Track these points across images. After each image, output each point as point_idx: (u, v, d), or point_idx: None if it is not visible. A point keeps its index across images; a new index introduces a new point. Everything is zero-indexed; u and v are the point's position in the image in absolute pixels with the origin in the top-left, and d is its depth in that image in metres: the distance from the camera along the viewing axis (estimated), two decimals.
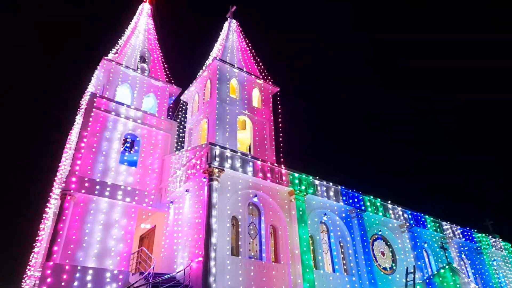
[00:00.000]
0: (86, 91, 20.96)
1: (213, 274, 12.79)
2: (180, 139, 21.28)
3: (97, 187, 16.21)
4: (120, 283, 13.82)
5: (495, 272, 23.93)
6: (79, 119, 19.33)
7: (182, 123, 22.53)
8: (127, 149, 19.49)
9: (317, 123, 69.28)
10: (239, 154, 16.17)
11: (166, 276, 13.15)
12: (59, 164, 20.38)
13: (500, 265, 25.20)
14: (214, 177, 14.75)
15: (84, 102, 19.23)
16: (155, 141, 19.49)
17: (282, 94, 24.05)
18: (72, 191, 15.40)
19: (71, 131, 21.01)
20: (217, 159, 15.17)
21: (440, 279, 15.45)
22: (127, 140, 19.51)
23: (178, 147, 20.41)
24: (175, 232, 16.34)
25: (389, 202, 20.73)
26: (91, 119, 17.62)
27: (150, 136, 19.46)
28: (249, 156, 16.69)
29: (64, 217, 14.77)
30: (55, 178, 19.91)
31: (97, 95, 18.54)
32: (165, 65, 23.77)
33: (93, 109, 17.87)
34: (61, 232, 14.42)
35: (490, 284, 22.40)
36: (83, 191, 15.74)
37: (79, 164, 16.23)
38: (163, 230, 17.50)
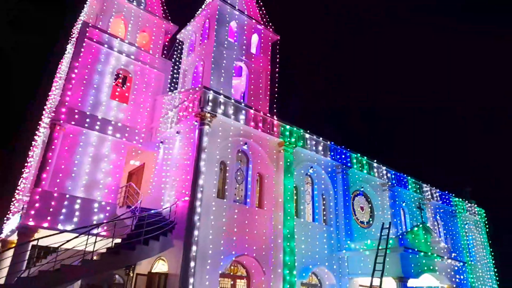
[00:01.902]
0: (78, 19, 20.02)
1: (198, 214, 13.26)
2: (174, 80, 20.87)
3: (87, 120, 16.13)
4: (107, 214, 14.27)
5: (465, 234, 25.35)
6: (70, 48, 18.67)
7: (177, 63, 21.96)
8: (119, 84, 19.14)
9: (315, 77, 68.33)
10: (232, 100, 16.03)
11: (152, 211, 13.60)
12: (49, 94, 20.03)
13: (471, 228, 26.64)
14: (205, 121, 14.73)
15: (75, 31, 18.45)
16: (148, 79, 19.11)
17: (283, 44, 23.36)
18: (61, 121, 15.31)
19: (61, 60, 20.38)
20: (210, 104, 15.04)
21: (413, 236, 16.32)
22: (119, 75, 19.09)
23: (172, 88, 20.10)
24: (164, 171, 16.63)
25: (375, 161, 21.19)
26: (82, 49, 17.02)
27: (143, 73, 19.03)
28: (242, 104, 16.57)
29: (53, 146, 14.81)
30: (45, 107, 19.67)
31: (90, 24, 17.73)
32: (162, 0, 22.59)
33: (85, 39, 17.19)
34: (50, 161, 14.55)
35: (459, 245, 23.82)
36: (72, 122, 15.65)
37: (69, 95, 15.95)
38: (152, 168, 17.79)
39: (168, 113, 17.39)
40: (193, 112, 15.21)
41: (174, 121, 16.73)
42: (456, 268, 17.83)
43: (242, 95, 21.03)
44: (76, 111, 15.94)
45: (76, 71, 16.47)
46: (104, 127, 16.51)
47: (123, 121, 17.39)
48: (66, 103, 15.70)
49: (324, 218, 18.30)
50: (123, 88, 19.44)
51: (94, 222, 13.70)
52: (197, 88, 16.03)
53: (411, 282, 16.13)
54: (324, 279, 16.76)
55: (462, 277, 18.72)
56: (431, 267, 16.31)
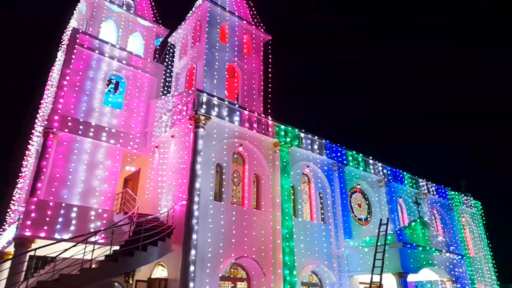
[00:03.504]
0: (68, 26, 19.88)
1: (196, 217, 13.20)
2: (167, 83, 20.79)
3: (81, 127, 16.00)
4: (104, 221, 14.17)
5: (463, 227, 25.52)
6: (61, 55, 18.53)
7: (169, 66, 21.86)
8: (111, 90, 19.03)
9: (307, 76, 68.44)
10: (226, 102, 15.99)
11: (150, 216, 13.52)
12: (41, 102, 19.86)
13: (468, 221, 26.82)
14: (200, 124, 14.67)
15: (66, 37, 18.32)
16: (140, 84, 19.01)
17: (274, 43, 23.37)
18: (54, 129, 15.17)
19: (52, 68, 20.21)
20: (204, 106, 14.99)
21: (411, 231, 16.39)
22: (112, 81, 18.98)
23: (165, 92, 20.01)
24: (160, 176, 16.55)
25: (371, 158, 21.26)
26: (73, 56, 16.88)
27: (135, 78, 18.93)
28: (236, 106, 16.54)
29: (47, 155, 14.67)
30: (37, 116, 19.50)
31: (80, 31, 17.60)
32: (153, 3, 22.50)
33: (76, 46, 17.05)
34: (44, 170, 14.40)
35: (457, 238, 23.96)
36: (66, 130, 15.52)
37: (62, 102, 15.82)
38: (147, 173, 17.69)
39: (162, 117, 17.31)
40: (187, 115, 15.15)
41: (169, 125, 16.66)
42: (454, 261, 17.94)
43: (236, 96, 21.00)
44: (69, 118, 15.81)
45: (67, 78, 16.34)
46: (98, 134, 16.39)
47: (117, 127, 17.28)
48: (59, 111, 15.57)
49: (322, 216, 18.32)
50: (116, 93, 19.35)
51: (91, 230, 13.60)
52: (190, 91, 15.97)
53: (410, 277, 16.22)
54: (324, 277, 16.77)
55: (461, 270, 18.89)
56: (430, 262, 16.39)
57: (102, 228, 13.40)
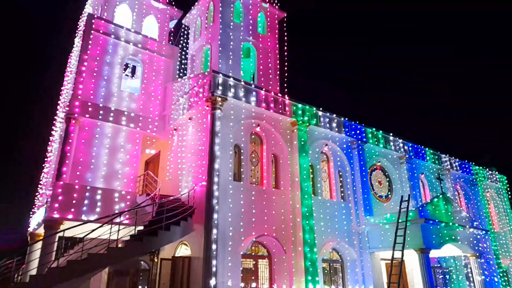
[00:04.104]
0: (83, 12, 20.00)
1: (216, 197, 13.40)
2: (183, 66, 20.79)
3: (101, 112, 16.31)
4: (128, 203, 14.59)
5: (487, 202, 24.96)
6: (78, 41, 18.73)
7: (184, 49, 21.80)
8: (128, 75, 19.21)
9: (324, 53, 66.98)
10: (242, 83, 15.88)
11: (171, 197, 13.81)
12: (62, 88, 20.28)
13: (493, 196, 26.19)
14: (217, 106, 14.68)
15: (82, 23, 18.45)
16: (156, 67, 19.09)
17: (290, 20, 22.83)
18: (76, 115, 15.54)
19: (70, 54, 20.50)
20: (220, 87, 14.94)
21: (433, 207, 16.14)
22: (128, 65, 19.12)
23: (181, 74, 20.03)
24: (179, 158, 16.79)
25: (391, 134, 20.86)
26: (90, 42, 17.06)
27: (151, 61, 19.00)
28: (253, 86, 16.40)
29: (70, 140, 15.11)
30: (59, 102, 19.97)
31: (95, 16, 17.69)
32: None
33: (92, 31, 17.20)
34: (68, 154, 14.87)
35: (481, 213, 23.50)
36: (87, 115, 15.87)
37: (81, 88, 16.11)
38: (167, 156, 17.99)
39: (179, 100, 17.41)
40: (204, 97, 15.16)
41: (186, 108, 16.75)
42: (478, 236, 17.65)
43: (252, 76, 20.82)
44: (89, 104, 16.12)
45: (85, 63, 16.57)
46: (118, 118, 16.69)
47: (136, 110, 17.52)
48: (79, 97, 15.88)
49: (342, 194, 18.25)
50: (133, 78, 19.54)
51: (116, 211, 14.04)
52: (206, 73, 15.92)
53: (433, 252, 16.10)
54: (345, 254, 16.86)
55: (485, 245, 18.58)
56: (453, 237, 16.19)
57: (126, 209, 13.81)
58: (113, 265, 11.16)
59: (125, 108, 17.23)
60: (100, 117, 16.21)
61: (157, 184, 15.61)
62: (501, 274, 22.23)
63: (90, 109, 16.04)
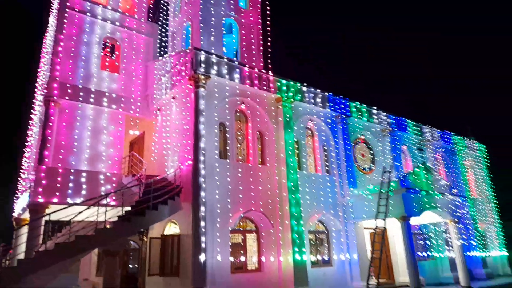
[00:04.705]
0: None
1: (203, 176, 13.51)
2: (163, 44, 20.32)
3: (81, 93, 15.97)
4: (114, 184, 14.58)
5: (466, 170, 25.86)
6: (52, 20, 18.03)
7: (164, 26, 21.23)
8: (108, 54, 18.70)
9: (305, 27, 66.26)
10: (225, 60, 15.70)
11: (158, 177, 13.85)
12: (38, 70, 19.66)
13: (472, 164, 27.11)
14: (200, 84, 14.53)
15: (56, 1, 17.71)
16: (136, 46, 18.63)
17: None
18: (55, 97, 15.18)
19: (45, 34, 19.77)
20: (203, 65, 14.75)
21: (414, 176, 16.67)
22: (107, 44, 18.59)
23: (162, 52, 19.62)
24: (164, 138, 16.71)
25: (374, 107, 21.12)
26: (65, 20, 16.47)
27: (131, 40, 18.52)
28: (236, 62, 16.24)
29: (50, 123, 14.83)
30: (36, 85, 19.40)
31: None
32: None
33: (67, 10, 16.56)
34: (49, 138, 14.63)
35: (460, 181, 24.39)
36: (66, 97, 15.52)
37: (59, 69, 15.68)
38: (152, 136, 17.87)
39: (162, 79, 17.15)
40: (186, 76, 14.97)
41: (169, 87, 16.53)
42: (457, 203, 18.39)
43: (235, 53, 20.54)
44: (68, 85, 15.74)
45: (61, 44, 16.06)
46: (99, 99, 16.38)
47: (117, 91, 17.20)
48: (57, 78, 15.47)
49: (327, 168, 18.60)
50: (113, 57, 19.04)
51: (102, 193, 14.02)
52: (187, 50, 15.65)
53: (414, 220, 16.75)
54: (330, 225, 17.39)
55: (463, 211, 19.42)
56: (433, 204, 16.84)
57: (112, 191, 13.80)
58: (102, 246, 11.25)
59: (106, 89, 16.89)
60: (80, 98, 15.88)
61: (142, 165, 15.58)
62: (478, 238, 23.39)
63: (69, 90, 15.67)
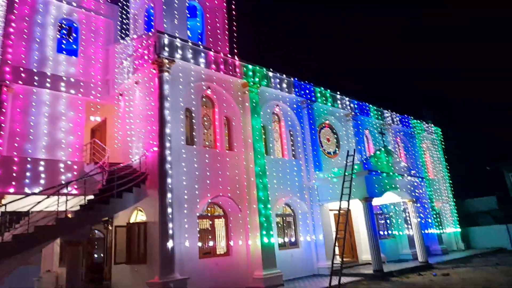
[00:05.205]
0: None
1: (169, 162, 13.31)
2: (124, 26, 19.52)
3: (36, 77, 15.09)
4: (75, 173, 14.03)
5: (424, 153, 27.25)
6: (2, 0, 16.74)
7: (125, 7, 20.35)
8: (64, 36, 17.71)
9: (273, 13, 66.03)
10: (190, 44, 15.36)
11: (122, 164, 13.49)
12: None
13: (429, 147, 28.60)
14: (164, 68, 14.16)
15: None
16: (95, 28, 17.78)
17: None
18: (7, 82, 14.25)
19: None
20: (167, 49, 14.35)
21: (376, 159, 17.37)
22: (63, 26, 17.58)
23: (123, 36, 18.86)
24: (127, 124, 16.24)
25: (338, 93, 21.60)
26: (16, 0, 15.36)
27: (89, 22, 17.63)
28: (201, 47, 15.95)
29: (3, 110, 13.95)
30: None
31: None
32: None
33: None
34: (3, 125, 13.78)
35: (418, 163, 25.68)
36: (20, 82, 14.61)
37: (11, 52, 14.70)
38: (114, 123, 17.30)
39: (123, 63, 16.54)
40: (150, 60, 14.53)
41: (131, 71, 16.00)
42: (415, 183, 19.41)
43: (200, 37, 20.13)
44: (21, 69, 14.81)
45: (13, 24, 15.02)
46: (56, 84, 15.56)
47: (76, 75, 16.42)
48: (9, 62, 14.52)
49: (293, 153, 18.92)
50: (70, 40, 18.06)
51: (63, 182, 13.47)
52: (150, 33, 15.14)
53: (375, 201, 17.53)
54: (297, 208, 17.82)
55: (421, 191, 20.51)
56: (393, 185, 17.67)
57: (73, 179, 13.29)
58: (63, 236, 10.88)
59: (63, 73, 16.06)
60: (35, 83, 15.01)
61: (105, 152, 15.08)
62: (434, 216, 24.88)
63: (23, 75, 14.76)
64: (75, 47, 17.35)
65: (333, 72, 62.12)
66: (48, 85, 15.29)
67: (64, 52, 16.73)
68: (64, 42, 17.44)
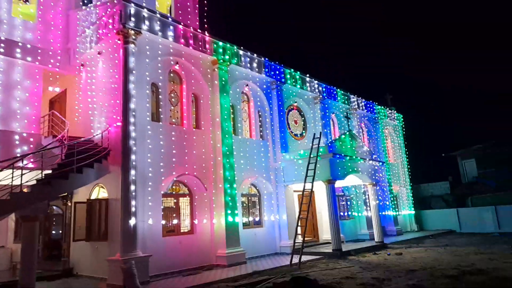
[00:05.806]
0: None
1: (133, 138, 12.90)
2: None
3: None
4: (31, 146, 13.31)
5: (385, 138, 28.29)
6: None
7: None
8: None
9: None
10: (158, 15, 14.69)
11: (82, 139, 12.92)
12: None
13: (391, 132, 29.70)
14: (130, 39, 13.49)
15: None
16: None
17: None
18: None
19: None
20: (133, 19, 13.65)
21: (340, 143, 17.81)
22: None
23: (85, 1, 17.69)
24: (89, 96, 15.48)
25: (308, 75, 21.71)
26: None
27: None
28: (170, 19, 15.31)
29: None
30: None
31: None
32: None
33: None
34: None
35: (380, 147, 26.66)
36: None
37: None
38: (75, 94, 16.44)
39: (86, 31, 15.59)
40: (114, 29, 13.79)
41: (94, 41, 15.13)
42: (376, 167, 20.18)
43: (169, 9, 19.33)
44: None
45: None
46: (11, 50, 14.44)
47: (33, 42, 15.29)
48: None
49: (261, 133, 18.97)
50: (27, 3, 16.71)
51: (18, 155, 12.74)
52: (115, 1, 14.30)
53: (338, 183, 18.08)
54: (262, 188, 18.04)
55: (381, 175, 21.42)
56: (355, 169, 18.27)
57: (29, 152, 12.60)
58: (18, 211, 10.37)
59: (19, 38, 14.91)
60: None
61: (65, 125, 14.36)
62: (392, 199, 26.15)
63: None
64: (32, 11, 16.10)
65: (306, 54, 62.27)
66: (1, 50, 14.16)
67: (20, 15, 15.49)
68: (20, 4, 16.12)
